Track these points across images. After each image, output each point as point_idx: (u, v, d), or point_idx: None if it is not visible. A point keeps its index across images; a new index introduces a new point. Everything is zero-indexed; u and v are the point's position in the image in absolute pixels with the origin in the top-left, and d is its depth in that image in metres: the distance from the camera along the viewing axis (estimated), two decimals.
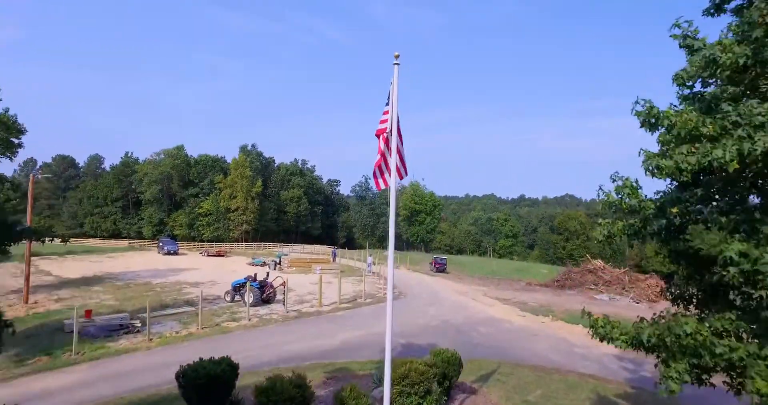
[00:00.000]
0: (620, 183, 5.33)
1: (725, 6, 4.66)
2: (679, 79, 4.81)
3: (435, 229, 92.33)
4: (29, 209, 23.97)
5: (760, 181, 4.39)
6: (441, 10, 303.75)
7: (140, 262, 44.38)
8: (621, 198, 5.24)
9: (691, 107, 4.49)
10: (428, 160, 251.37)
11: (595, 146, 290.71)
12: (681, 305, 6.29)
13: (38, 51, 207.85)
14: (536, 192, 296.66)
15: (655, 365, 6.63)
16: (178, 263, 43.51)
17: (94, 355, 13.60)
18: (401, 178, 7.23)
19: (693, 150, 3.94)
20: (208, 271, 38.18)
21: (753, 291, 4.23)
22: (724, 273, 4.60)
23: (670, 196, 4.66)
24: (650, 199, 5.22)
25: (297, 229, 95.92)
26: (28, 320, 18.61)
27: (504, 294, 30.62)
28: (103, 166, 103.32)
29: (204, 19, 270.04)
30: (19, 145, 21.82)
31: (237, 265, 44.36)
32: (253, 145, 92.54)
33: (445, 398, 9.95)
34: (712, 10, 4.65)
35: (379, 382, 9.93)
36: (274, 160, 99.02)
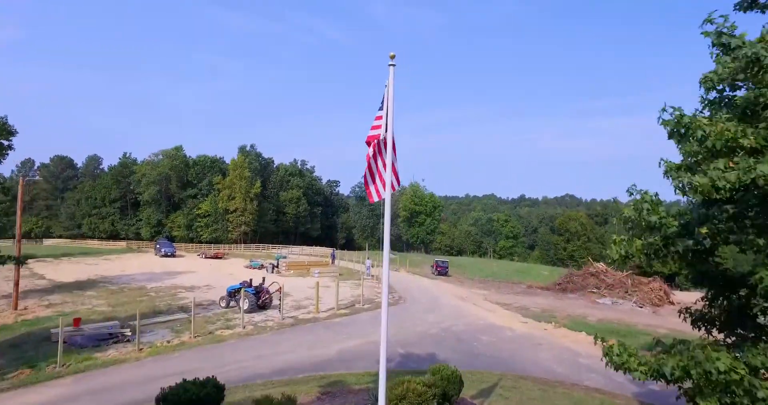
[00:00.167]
0: (638, 196, 4.79)
1: (762, 0, 4.12)
2: (708, 82, 4.28)
3: (435, 230, 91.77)
4: (19, 212, 23.34)
5: None
6: (441, 10, 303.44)
7: (136, 264, 43.85)
8: (639, 213, 4.70)
9: (725, 114, 3.97)
10: (428, 160, 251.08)
11: (595, 146, 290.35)
12: (703, 328, 5.75)
13: (38, 51, 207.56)
14: (536, 192, 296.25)
15: (677, 397, 6.08)
16: (175, 266, 42.98)
17: (80, 368, 13.06)
18: (393, 189, 6.71)
19: (731, 165, 3.42)
20: (204, 274, 37.64)
21: None
22: (757, 299, 4.08)
23: (695, 213, 4.13)
24: (672, 215, 4.68)
25: (296, 230, 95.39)
26: (15, 328, 18.09)
27: (505, 298, 30.09)
28: (101, 167, 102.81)
29: (204, 19, 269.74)
30: (9, 147, 21.32)
31: (234, 267, 43.84)
32: (252, 146, 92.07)
33: None
34: (745, 4, 4.11)
35: (375, 400, 9.41)
36: (273, 161, 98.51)
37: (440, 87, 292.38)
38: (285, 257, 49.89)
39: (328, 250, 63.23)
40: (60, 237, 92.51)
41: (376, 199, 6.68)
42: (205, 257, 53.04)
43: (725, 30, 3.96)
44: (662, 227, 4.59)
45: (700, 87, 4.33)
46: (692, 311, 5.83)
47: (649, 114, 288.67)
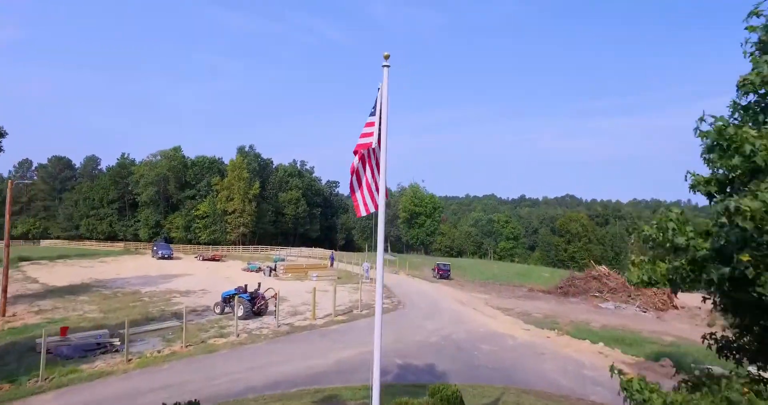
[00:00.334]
0: (663, 213, 4.23)
1: None
2: (749, 86, 3.72)
3: (435, 232, 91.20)
4: (7, 216, 22.74)
5: None
6: (441, 10, 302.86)
7: (132, 267, 43.30)
8: (663, 233, 4.14)
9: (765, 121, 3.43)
10: (428, 160, 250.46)
11: (595, 146, 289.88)
12: (731, 358, 5.18)
13: (37, 51, 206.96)
14: (536, 192, 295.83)
15: None
16: (171, 269, 42.43)
17: (63, 381, 12.51)
18: (376, 207, 6.20)
19: None
20: (200, 277, 37.09)
21: None
22: None
23: (732, 235, 3.58)
24: (701, 235, 4.12)
25: (295, 232, 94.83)
26: (1, 336, 17.53)
27: (506, 303, 29.53)
28: (99, 168, 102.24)
29: (204, 19, 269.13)
30: None
31: (232, 270, 43.29)
32: (250, 146, 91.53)
33: None
34: None
35: None
36: (272, 162, 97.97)
37: (440, 87, 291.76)
38: (283, 260, 49.38)
39: (327, 252, 62.68)
40: (58, 238, 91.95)
41: (363, 212, 6.16)
42: (203, 259, 52.48)
43: None
44: (690, 249, 4.03)
45: (738, 90, 3.79)
46: (717, 338, 5.26)
47: (649, 114, 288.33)
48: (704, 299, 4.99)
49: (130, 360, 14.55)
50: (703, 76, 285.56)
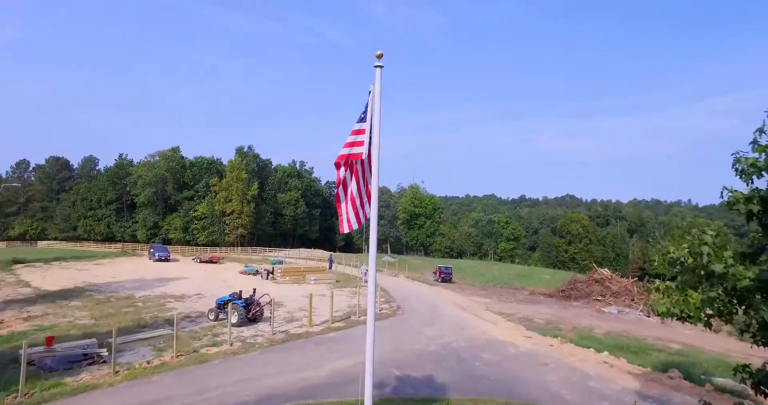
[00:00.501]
0: (696, 234, 3.67)
1: None
2: None
3: (435, 233, 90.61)
4: None
5: None
6: (441, 10, 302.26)
7: (128, 270, 42.74)
8: (696, 258, 3.58)
9: None
10: (428, 160, 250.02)
11: (595, 146, 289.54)
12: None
13: (36, 51, 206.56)
14: (537, 192, 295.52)
15: None
16: (168, 271, 41.87)
17: (44, 397, 11.93)
18: (359, 224, 5.67)
19: None
20: (197, 280, 36.55)
21: None
22: None
23: None
24: (741, 260, 3.56)
25: (294, 233, 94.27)
26: None
27: (507, 307, 28.99)
28: (97, 168, 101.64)
29: (204, 19, 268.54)
30: None
31: (229, 273, 42.75)
32: (249, 147, 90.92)
33: None
34: None
35: None
36: (271, 162, 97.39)
37: (440, 87, 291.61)
38: (281, 262, 48.81)
39: (326, 254, 62.17)
40: (55, 239, 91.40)
41: (346, 229, 5.64)
42: (200, 261, 51.93)
43: None
44: (730, 278, 3.47)
45: None
46: (753, 371, 4.69)
47: (649, 114, 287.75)
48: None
49: (117, 372, 13.97)
50: (703, 76, 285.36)
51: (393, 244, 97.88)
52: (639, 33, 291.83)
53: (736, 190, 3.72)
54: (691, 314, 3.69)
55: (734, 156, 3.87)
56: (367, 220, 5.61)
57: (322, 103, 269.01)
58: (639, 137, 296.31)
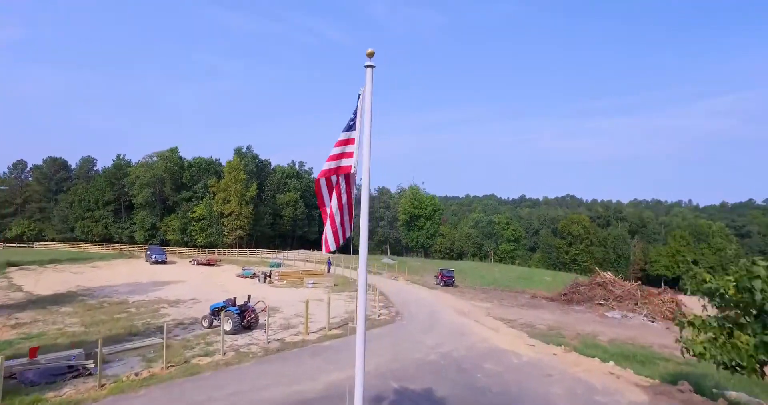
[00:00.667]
0: (743, 265, 3.08)
1: None
2: None
3: (435, 234, 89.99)
4: None
5: None
6: (441, 10, 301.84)
7: (124, 273, 42.16)
8: (744, 293, 2.99)
9: None
10: (428, 160, 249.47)
11: (595, 146, 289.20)
12: None
13: (35, 51, 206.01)
14: (537, 192, 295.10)
15: None
16: (164, 274, 41.29)
17: None
18: (338, 244, 5.20)
19: None
20: (193, 284, 35.98)
21: None
22: None
23: None
24: None
25: (293, 234, 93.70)
26: None
27: (509, 312, 28.42)
28: (95, 169, 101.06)
29: (204, 19, 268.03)
30: None
31: (226, 275, 42.20)
32: (248, 148, 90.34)
33: None
34: None
35: None
36: (269, 163, 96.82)
37: (440, 87, 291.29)
38: (280, 265, 48.21)
39: (325, 256, 61.56)
40: (53, 240, 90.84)
41: (324, 250, 5.17)
42: (197, 264, 51.38)
43: None
44: None
45: None
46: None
47: (649, 114, 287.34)
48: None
49: (103, 385, 13.38)
50: (703, 76, 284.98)
51: (393, 246, 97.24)
52: (639, 33, 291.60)
53: None
54: (743, 363, 3.10)
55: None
56: (347, 239, 5.12)
57: (322, 103, 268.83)
58: (639, 137, 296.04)
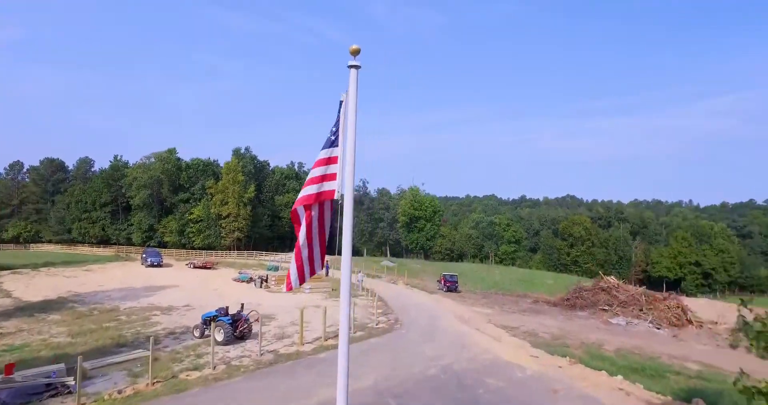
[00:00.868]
0: None
1: None
2: None
3: (435, 236, 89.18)
4: None
5: None
6: (441, 10, 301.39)
7: (118, 277, 41.38)
8: None
9: None
10: (428, 160, 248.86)
11: (595, 146, 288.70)
12: None
13: (35, 51, 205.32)
14: (537, 193, 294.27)
15: None
16: (159, 278, 40.52)
17: None
18: (302, 281, 4.58)
19: None
20: (188, 289, 35.23)
21: None
22: None
23: None
24: None
25: (292, 235, 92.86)
26: None
27: (510, 319, 27.64)
28: (93, 170, 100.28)
29: (204, 19, 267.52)
30: None
31: (222, 280, 41.41)
32: (246, 148, 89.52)
33: None
34: None
35: None
36: (268, 164, 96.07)
37: (440, 87, 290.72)
38: (277, 268, 47.44)
39: (326, 257, 60.84)
40: (50, 242, 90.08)
41: (284, 289, 4.52)
42: (194, 267, 50.60)
43: None
44: None
45: None
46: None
47: (649, 114, 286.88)
48: None
49: None
50: (703, 76, 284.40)
51: (392, 247, 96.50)
52: (639, 33, 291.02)
53: None
54: None
55: None
56: (314, 275, 4.48)
57: (322, 103, 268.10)
58: (639, 137, 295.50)
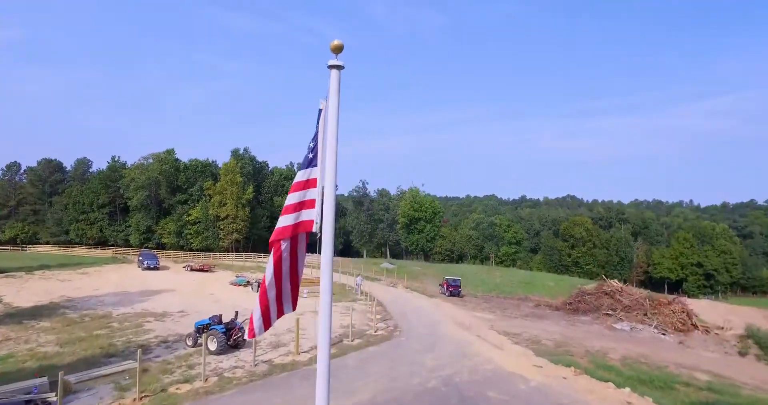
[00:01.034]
0: None
1: None
2: None
3: (435, 237, 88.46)
4: None
5: None
6: (441, 10, 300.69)
7: (113, 281, 40.74)
8: None
9: None
10: (428, 160, 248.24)
11: (595, 146, 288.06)
12: None
13: (34, 51, 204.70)
14: (537, 193, 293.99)
15: None
16: (154, 282, 39.89)
17: None
18: (267, 328, 4.06)
19: None
20: (183, 293, 34.60)
21: None
22: None
23: None
24: None
25: None
26: None
27: (513, 325, 27.02)
28: (91, 171, 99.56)
29: (204, 19, 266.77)
30: None
31: (219, 283, 40.78)
32: (245, 149, 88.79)
33: None
34: None
35: None
36: (267, 165, 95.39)
37: (440, 87, 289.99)
38: None
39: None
40: (47, 243, 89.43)
41: (248, 335, 3.95)
42: (191, 269, 49.94)
43: None
44: None
45: None
46: None
47: (649, 114, 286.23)
48: None
49: None
50: (704, 76, 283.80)
51: (392, 248, 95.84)
52: (639, 33, 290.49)
53: None
54: None
55: None
56: (282, 316, 3.90)
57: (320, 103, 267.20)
58: (639, 137, 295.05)
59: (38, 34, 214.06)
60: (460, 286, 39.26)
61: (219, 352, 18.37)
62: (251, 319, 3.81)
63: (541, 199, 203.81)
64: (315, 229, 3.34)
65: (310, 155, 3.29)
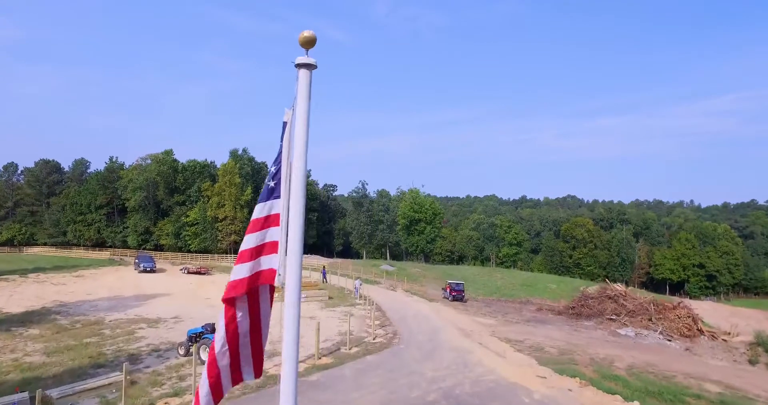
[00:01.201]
0: None
1: None
2: None
3: (436, 239, 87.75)
4: None
5: None
6: (441, 10, 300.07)
7: (108, 284, 40.08)
8: None
9: None
10: (428, 160, 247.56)
11: (595, 146, 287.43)
12: None
13: (34, 51, 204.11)
14: (538, 193, 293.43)
15: None
16: (150, 286, 39.23)
17: None
18: (236, 382, 3.27)
19: None
20: (179, 298, 33.95)
21: None
22: None
23: None
24: None
25: None
26: None
27: (515, 331, 26.37)
28: (89, 171, 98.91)
29: (204, 19, 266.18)
30: None
31: (216, 286, 40.05)
32: (244, 150, 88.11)
33: None
34: None
35: None
36: (266, 165, 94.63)
37: (440, 87, 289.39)
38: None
39: (321, 262, 59.50)
40: (45, 245, 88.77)
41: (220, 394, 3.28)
42: (188, 272, 49.29)
43: None
44: None
45: None
46: None
47: (649, 114, 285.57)
48: None
49: None
50: (703, 76, 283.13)
51: (392, 249, 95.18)
52: (639, 33, 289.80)
53: None
54: None
55: None
56: (239, 383, 3.19)
57: (321, 103, 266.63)
58: (639, 137, 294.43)
59: (37, 34, 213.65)
60: (463, 291, 38.47)
61: None
62: (197, 394, 3.13)
63: (542, 199, 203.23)
64: (278, 282, 2.71)
65: (272, 183, 2.67)
